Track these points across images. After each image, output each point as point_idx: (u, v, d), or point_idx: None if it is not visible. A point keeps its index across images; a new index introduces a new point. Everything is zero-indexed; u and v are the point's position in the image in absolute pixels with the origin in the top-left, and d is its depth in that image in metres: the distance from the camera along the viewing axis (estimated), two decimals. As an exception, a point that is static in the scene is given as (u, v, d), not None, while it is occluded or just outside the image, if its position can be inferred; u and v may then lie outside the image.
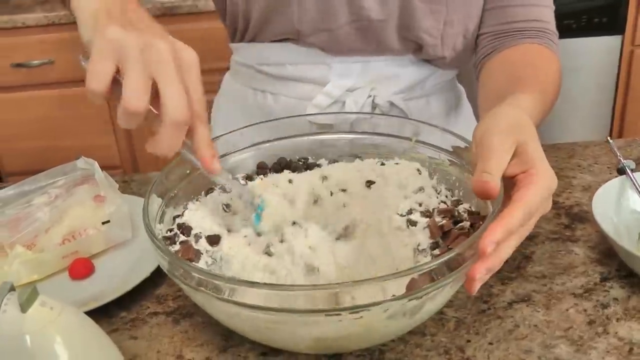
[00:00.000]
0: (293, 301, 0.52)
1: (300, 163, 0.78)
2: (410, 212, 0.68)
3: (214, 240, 0.65)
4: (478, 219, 0.63)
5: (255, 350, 0.63)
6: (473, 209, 0.66)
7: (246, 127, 0.77)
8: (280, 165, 0.78)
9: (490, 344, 0.63)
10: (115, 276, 0.74)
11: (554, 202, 0.78)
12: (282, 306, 0.52)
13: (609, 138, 0.90)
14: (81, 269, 0.75)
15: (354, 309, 0.52)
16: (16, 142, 2.26)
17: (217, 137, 0.74)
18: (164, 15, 2.07)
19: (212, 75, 1.05)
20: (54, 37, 2.12)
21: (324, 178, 0.75)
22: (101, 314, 0.67)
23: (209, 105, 0.87)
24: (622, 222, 0.75)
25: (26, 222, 0.76)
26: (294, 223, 0.68)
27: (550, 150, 0.98)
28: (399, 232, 0.66)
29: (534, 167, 0.56)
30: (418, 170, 0.73)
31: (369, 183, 0.73)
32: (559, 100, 0.82)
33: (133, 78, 0.54)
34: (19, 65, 2.14)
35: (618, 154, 0.84)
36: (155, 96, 0.55)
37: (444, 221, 0.64)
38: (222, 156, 0.74)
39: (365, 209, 0.71)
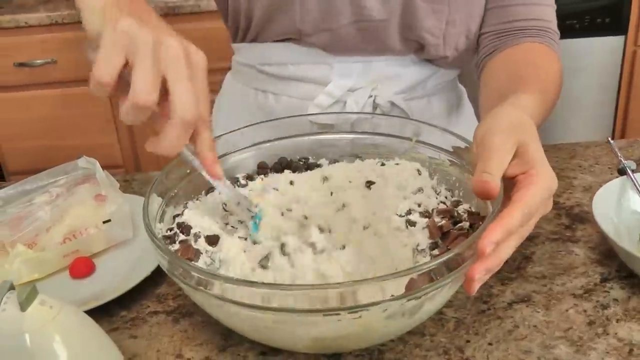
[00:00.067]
0: (292, 301, 0.52)
1: (301, 163, 0.78)
2: (409, 212, 0.68)
3: (212, 240, 0.65)
4: (478, 220, 0.63)
5: (254, 350, 0.63)
6: (473, 210, 0.66)
7: (247, 126, 0.77)
8: (281, 165, 0.78)
9: (490, 344, 0.62)
10: (116, 275, 0.74)
11: (555, 203, 0.78)
12: (281, 306, 0.52)
13: (610, 138, 0.90)
14: (82, 268, 0.75)
15: (353, 308, 0.51)
16: (19, 141, 2.27)
17: (218, 136, 0.74)
18: (167, 15, 2.07)
19: (214, 75, 1.04)
20: (56, 37, 2.12)
21: (325, 179, 0.75)
22: (101, 313, 0.68)
23: (210, 105, 0.87)
24: (623, 223, 0.75)
25: (27, 221, 0.77)
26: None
27: (551, 150, 0.98)
28: (398, 233, 0.66)
29: (535, 167, 0.56)
30: (418, 170, 0.73)
31: (369, 183, 0.73)
32: (561, 100, 0.81)
33: (143, 72, 0.53)
34: (21, 64, 2.15)
35: (619, 154, 0.84)
36: (160, 95, 0.55)
37: (443, 221, 0.64)
38: (223, 156, 0.74)
39: (365, 209, 0.71)
